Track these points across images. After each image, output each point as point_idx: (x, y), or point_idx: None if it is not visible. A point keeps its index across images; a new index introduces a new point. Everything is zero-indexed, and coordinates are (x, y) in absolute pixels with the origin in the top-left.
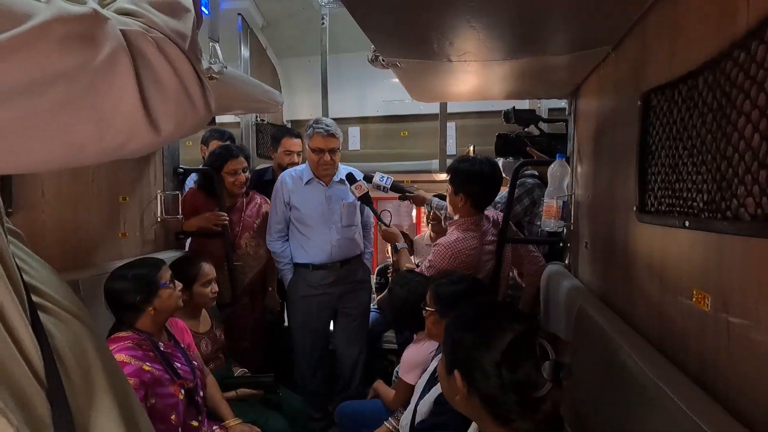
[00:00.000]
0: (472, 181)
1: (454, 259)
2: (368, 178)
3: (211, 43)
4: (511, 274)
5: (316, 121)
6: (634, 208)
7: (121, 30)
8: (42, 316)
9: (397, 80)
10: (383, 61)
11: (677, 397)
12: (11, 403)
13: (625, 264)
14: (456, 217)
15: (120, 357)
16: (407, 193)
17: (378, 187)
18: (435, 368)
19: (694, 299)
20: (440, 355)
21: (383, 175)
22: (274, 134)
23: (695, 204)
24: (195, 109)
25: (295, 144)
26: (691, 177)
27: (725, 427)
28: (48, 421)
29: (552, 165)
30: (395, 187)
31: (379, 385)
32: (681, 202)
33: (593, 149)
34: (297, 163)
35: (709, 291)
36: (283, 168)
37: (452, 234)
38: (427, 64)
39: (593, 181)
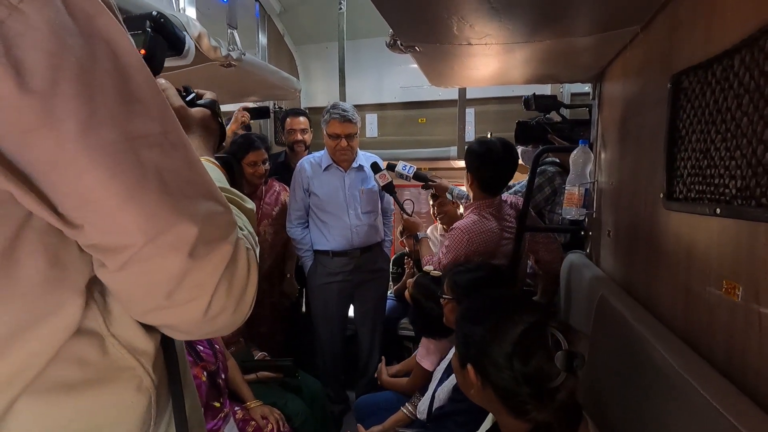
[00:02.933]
0: (480, 163)
1: (471, 242)
2: (391, 167)
3: (229, 30)
4: (528, 262)
5: (333, 106)
6: (661, 196)
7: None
8: None
9: (415, 66)
10: (402, 45)
11: (704, 389)
12: (149, 365)
13: (650, 253)
14: (471, 199)
15: None
16: (430, 182)
17: (401, 176)
18: (454, 355)
19: (723, 289)
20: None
21: (406, 164)
22: (281, 117)
23: (727, 191)
24: (236, 312)
25: (296, 122)
26: (724, 162)
27: (755, 421)
28: (165, 383)
29: (574, 151)
30: (418, 176)
31: (388, 378)
32: (712, 188)
33: (619, 135)
34: (302, 142)
35: (739, 281)
36: (291, 148)
37: (468, 217)
38: (447, 48)
39: (618, 168)
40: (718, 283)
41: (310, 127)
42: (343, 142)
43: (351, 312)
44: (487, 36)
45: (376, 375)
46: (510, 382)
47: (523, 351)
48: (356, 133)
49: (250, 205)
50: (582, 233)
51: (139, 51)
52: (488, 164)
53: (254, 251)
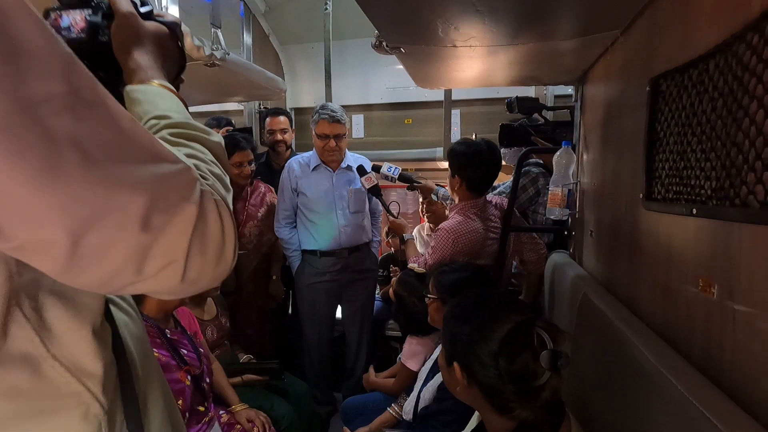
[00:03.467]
0: (467, 163)
1: (456, 243)
2: (376, 168)
3: (213, 30)
4: (513, 262)
5: (323, 107)
6: (641, 196)
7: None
8: (113, 309)
9: (401, 67)
10: (387, 46)
11: (681, 384)
12: (98, 388)
13: (631, 252)
14: (456, 201)
15: None
16: (415, 183)
17: (386, 177)
18: (438, 355)
19: (699, 287)
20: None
21: (391, 165)
22: (262, 118)
23: (703, 191)
24: (218, 267)
25: (276, 122)
26: (700, 164)
27: (730, 416)
28: (119, 405)
29: (557, 152)
30: (403, 177)
31: (374, 379)
32: (689, 189)
33: (600, 136)
34: (282, 142)
35: (715, 279)
36: (272, 148)
37: (454, 218)
38: (432, 50)
39: (600, 169)
40: (695, 281)
41: (292, 127)
42: (332, 143)
43: (339, 314)
44: (471, 38)
45: (364, 384)
46: (495, 381)
47: (509, 350)
48: (345, 134)
49: (217, 138)
50: (565, 233)
51: None
52: (475, 165)
53: (225, 201)
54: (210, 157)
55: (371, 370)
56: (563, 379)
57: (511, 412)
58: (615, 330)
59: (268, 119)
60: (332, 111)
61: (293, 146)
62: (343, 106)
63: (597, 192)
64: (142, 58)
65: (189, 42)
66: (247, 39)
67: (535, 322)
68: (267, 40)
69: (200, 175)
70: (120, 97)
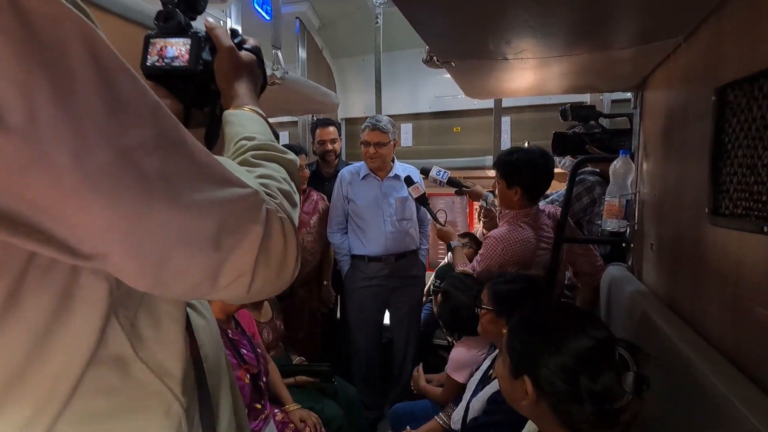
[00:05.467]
0: (528, 170)
1: (505, 251)
2: (425, 171)
3: (273, 50)
4: (567, 273)
5: (370, 118)
6: (706, 210)
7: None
8: (192, 314)
9: (449, 76)
10: (438, 61)
11: (753, 415)
12: (178, 389)
13: (696, 269)
14: (503, 210)
15: None
16: (464, 188)
17: (435, 181)
18: (488, 367)
19: None
20: (494, 354)
21: (440, 169)
22: (312, 128)
23: None
24: (280, 279)
25: (325, 132)
26: None
27: None
28: (195, 403)
29: (615, 161)
30: (452, 182)
31: (424, 385)
32: (759, 205)
33: (661, 145)
34: (332, 151)
35: None
36: (322, 158)
37: (503, 226)
38: (482, 63)
39: (661, 180)
40: None
41: (339, 136)
42: (372, 149)
43: (387, 320)
44: (522, 51)
45: (412, 385)
46: (571, 398)
47: (592, 368)
48: (387, 143)
49: (291, 156)
50: (623, 245)
51: None
52: (534, 169)
53: (291, 217)
54: (283, 174)
55: (421, 372)
56: (644, 404)
57: None
58: (678, 352)
59: (318, 130)
60: (376, 120)
61: (343, 155)
62: (392, 116)
63: (658, 204)
64: (240, 88)
65: None
66: (302, 54)
67: (617, 341)
68: (320, 54)
69: (269, 194)
70: (211, 114)
